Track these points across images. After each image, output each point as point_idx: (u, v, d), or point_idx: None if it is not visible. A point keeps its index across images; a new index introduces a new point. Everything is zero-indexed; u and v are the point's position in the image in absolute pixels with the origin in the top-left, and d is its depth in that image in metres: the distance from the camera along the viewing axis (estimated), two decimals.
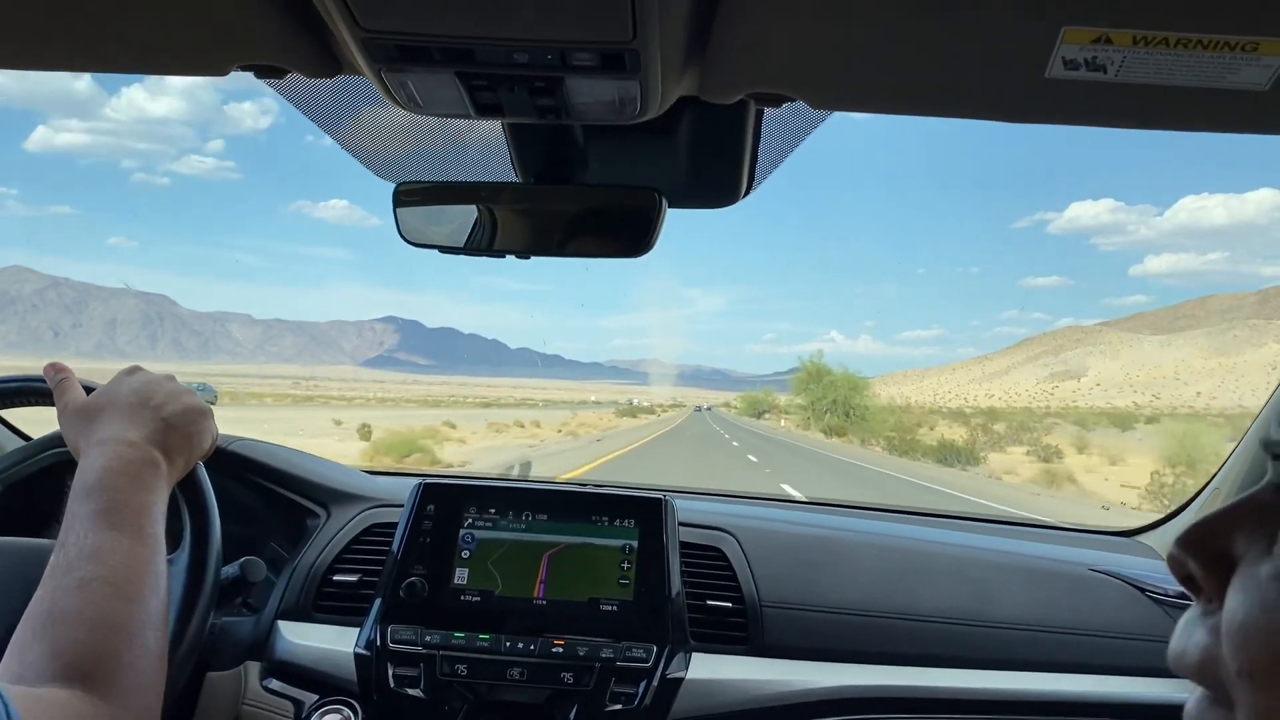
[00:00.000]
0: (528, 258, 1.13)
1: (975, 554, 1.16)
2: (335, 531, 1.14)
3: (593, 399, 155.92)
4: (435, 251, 1.07)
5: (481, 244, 1.11)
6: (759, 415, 77.85)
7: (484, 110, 0.61)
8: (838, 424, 40.73)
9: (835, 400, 45.37)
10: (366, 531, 1.14)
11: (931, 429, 39.68)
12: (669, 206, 1.01)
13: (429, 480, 1.13)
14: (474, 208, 1.11)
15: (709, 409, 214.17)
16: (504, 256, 1.14)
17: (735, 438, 23.77)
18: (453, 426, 29.50)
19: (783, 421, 52.76)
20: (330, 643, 1.00)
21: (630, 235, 1.05)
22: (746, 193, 1.08)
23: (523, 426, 32.02)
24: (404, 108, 0.60)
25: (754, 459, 13.95)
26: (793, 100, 0.56)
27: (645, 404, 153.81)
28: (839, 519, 1.31)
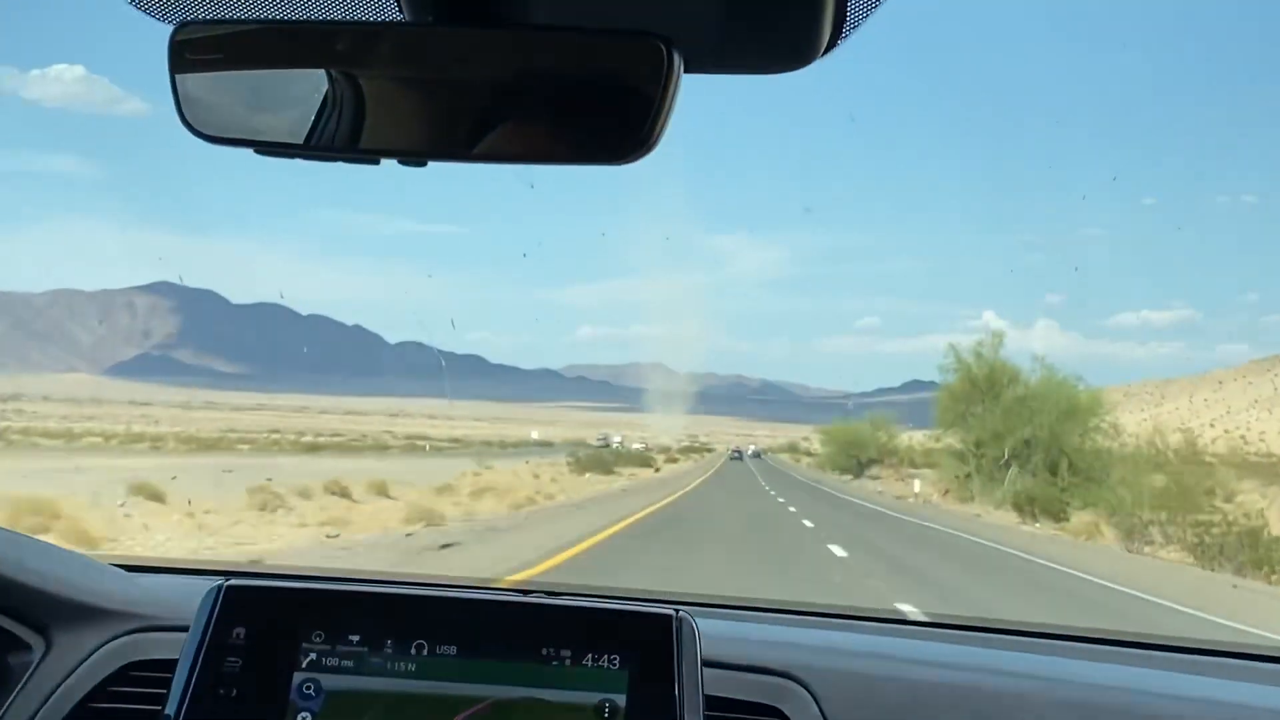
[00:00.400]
0: (423, 164, 1.19)
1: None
2: (64, 675, 1.14)
3: (534, 436, 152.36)
4: (248, 152, 1.10)
5: (337, 137, 1.13)
6: (860, 470, 75.64)
7: None
8: (1045, 491, 35.60)
9: (1031, 440, 41.37)
10: (122, 675, 1.15)
11: (1230, 500, 33.15)
12: (687, 70, 1.02)
13: (238, 581, 1.12)
14: (322, 72, 1.12)
15: (757, 454, 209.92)
16: (378, 161, 1.17)
17: (830, 529, 22.43)
18: (156, 499, 24.39)
19: (917, 485, 47.47)
20: None
21: (613, 122, 1.08)
22: (829, 47, 1.07)
23: (343, 496, 30.90)
24: None
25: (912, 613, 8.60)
26: None
27: (636, 446, 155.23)
28: (1000, 654, 1.33)
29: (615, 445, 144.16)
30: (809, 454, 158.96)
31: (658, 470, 76.70)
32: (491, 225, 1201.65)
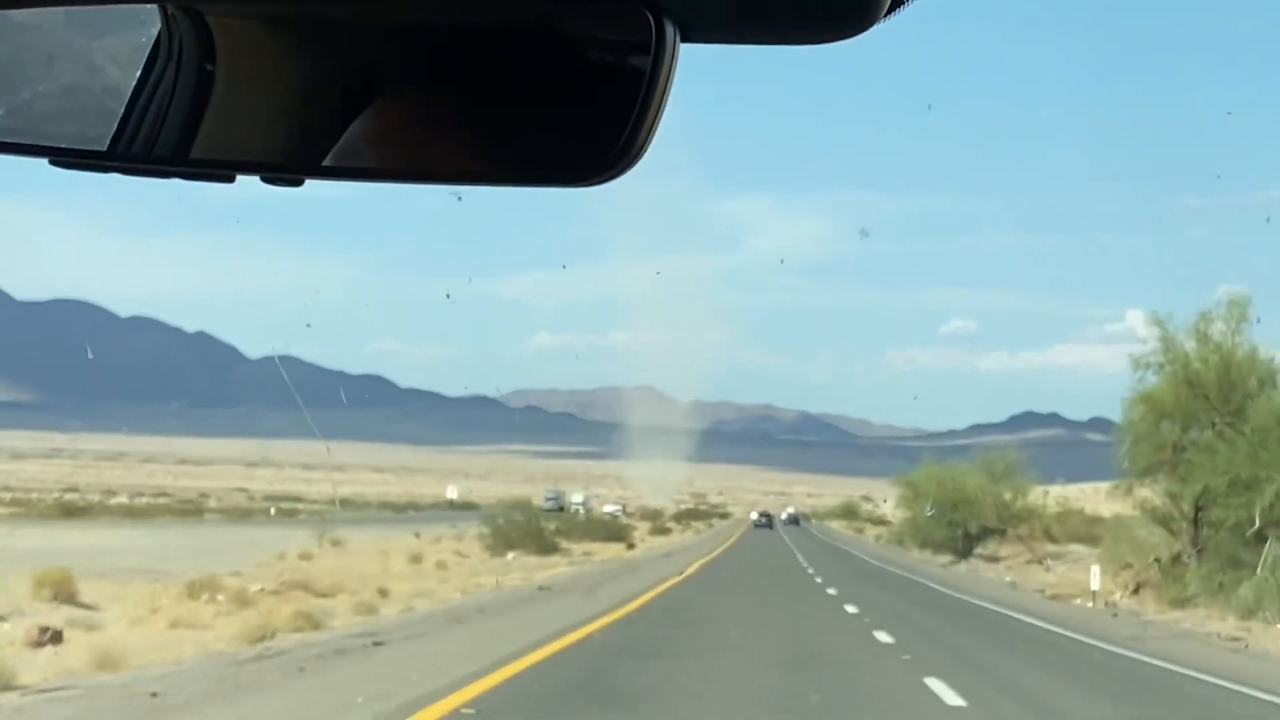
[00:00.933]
0: (298, 183, 1.20)
1: None
2: None
3: (451, 496, 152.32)
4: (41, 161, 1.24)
5: (166, 143, 1.16)
6: (967, 547, 70.43)
7: None
8: None
9: None
10: None
11: None
12: (686, 39, 1.13)
13: None
14: (153, 48, 1.17)
15: (794, 519, 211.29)
16: (232, 179, 1.19)
17: (984, 688, 19.35)
18: None
19: (1095, 576, 41.58)
20: None
21: (580, 127, 1.09)
22: (894, 5, 1.16)
23: None
24: None
25: None
26: None
27: (609, 509, 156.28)
28: None
29: (575, 508, 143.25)
30: (878, 521, 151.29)
31: (632, 547, 74.45)
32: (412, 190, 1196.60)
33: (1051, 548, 62.85)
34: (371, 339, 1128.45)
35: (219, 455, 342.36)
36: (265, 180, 1.23)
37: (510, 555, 52.96)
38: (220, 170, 1.22)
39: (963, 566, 60.39)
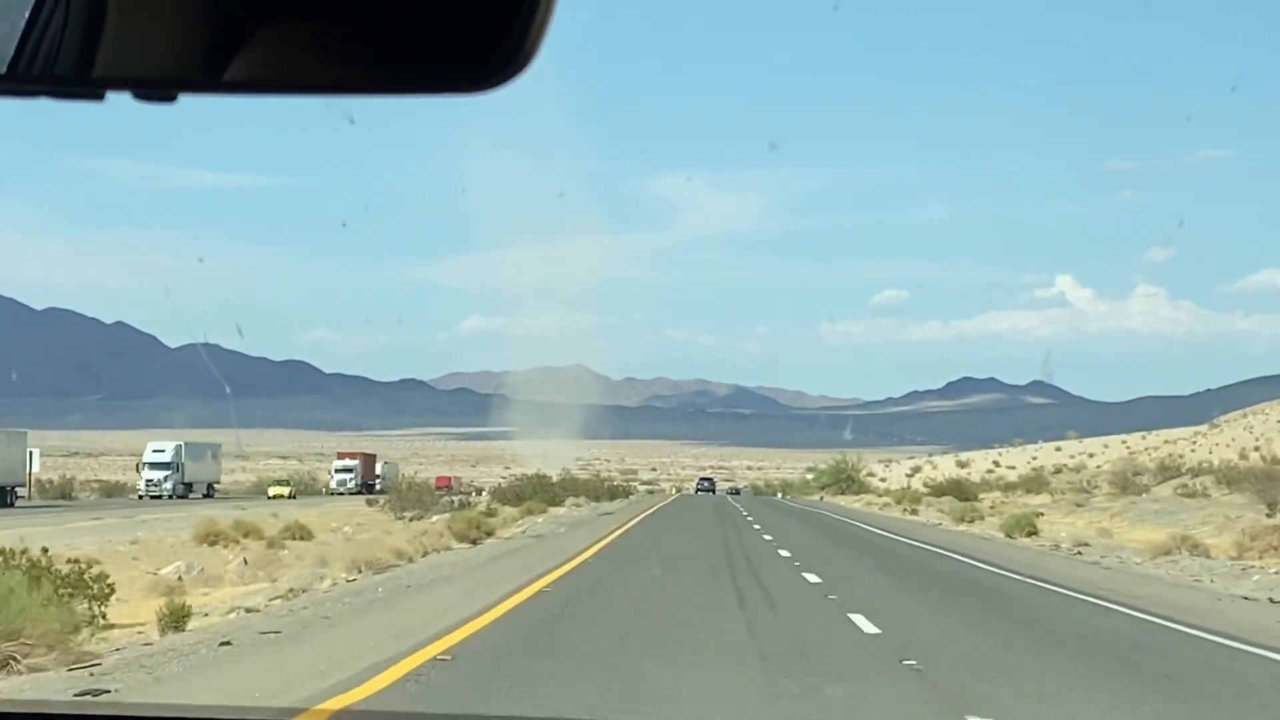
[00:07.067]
0: (171, 98, 1.16)
1: None
2: None
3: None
4: None
5: (44, 60, 1.13)
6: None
7: None
8: None
9: None
10: None
11: None
12: None
13: None
14: None
15: (735, 491, 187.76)
16: (102, 96, 1.14)
17: None
18: None
19: None
20: None
21: (464, 29, 1.06)
22: None
23: None
24: None
25: None
26: None
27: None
28: None
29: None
30: (963, 496, 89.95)
31: (523, 529, 52.84)
32: (330, 170, 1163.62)
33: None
34: (303, 328, 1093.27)
35: (128, 447, 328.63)
36: (138, 96, 1.16)
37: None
38: (95, 87, 1.15)
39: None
